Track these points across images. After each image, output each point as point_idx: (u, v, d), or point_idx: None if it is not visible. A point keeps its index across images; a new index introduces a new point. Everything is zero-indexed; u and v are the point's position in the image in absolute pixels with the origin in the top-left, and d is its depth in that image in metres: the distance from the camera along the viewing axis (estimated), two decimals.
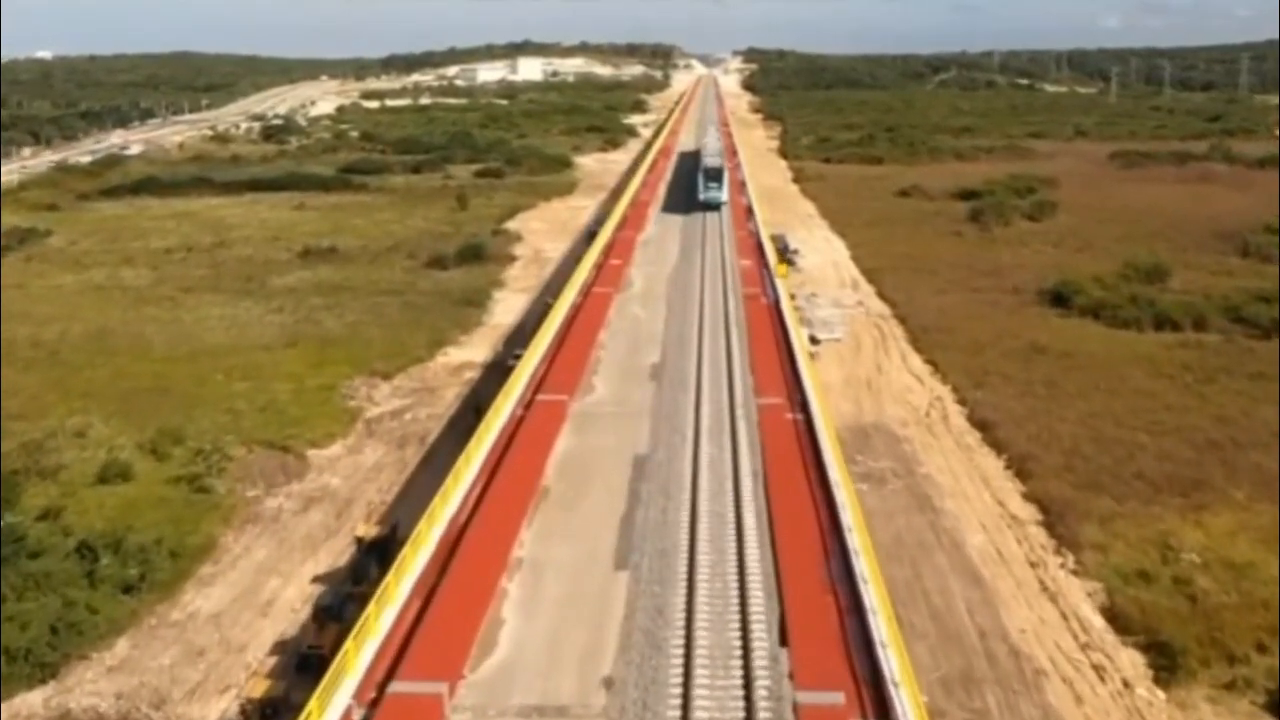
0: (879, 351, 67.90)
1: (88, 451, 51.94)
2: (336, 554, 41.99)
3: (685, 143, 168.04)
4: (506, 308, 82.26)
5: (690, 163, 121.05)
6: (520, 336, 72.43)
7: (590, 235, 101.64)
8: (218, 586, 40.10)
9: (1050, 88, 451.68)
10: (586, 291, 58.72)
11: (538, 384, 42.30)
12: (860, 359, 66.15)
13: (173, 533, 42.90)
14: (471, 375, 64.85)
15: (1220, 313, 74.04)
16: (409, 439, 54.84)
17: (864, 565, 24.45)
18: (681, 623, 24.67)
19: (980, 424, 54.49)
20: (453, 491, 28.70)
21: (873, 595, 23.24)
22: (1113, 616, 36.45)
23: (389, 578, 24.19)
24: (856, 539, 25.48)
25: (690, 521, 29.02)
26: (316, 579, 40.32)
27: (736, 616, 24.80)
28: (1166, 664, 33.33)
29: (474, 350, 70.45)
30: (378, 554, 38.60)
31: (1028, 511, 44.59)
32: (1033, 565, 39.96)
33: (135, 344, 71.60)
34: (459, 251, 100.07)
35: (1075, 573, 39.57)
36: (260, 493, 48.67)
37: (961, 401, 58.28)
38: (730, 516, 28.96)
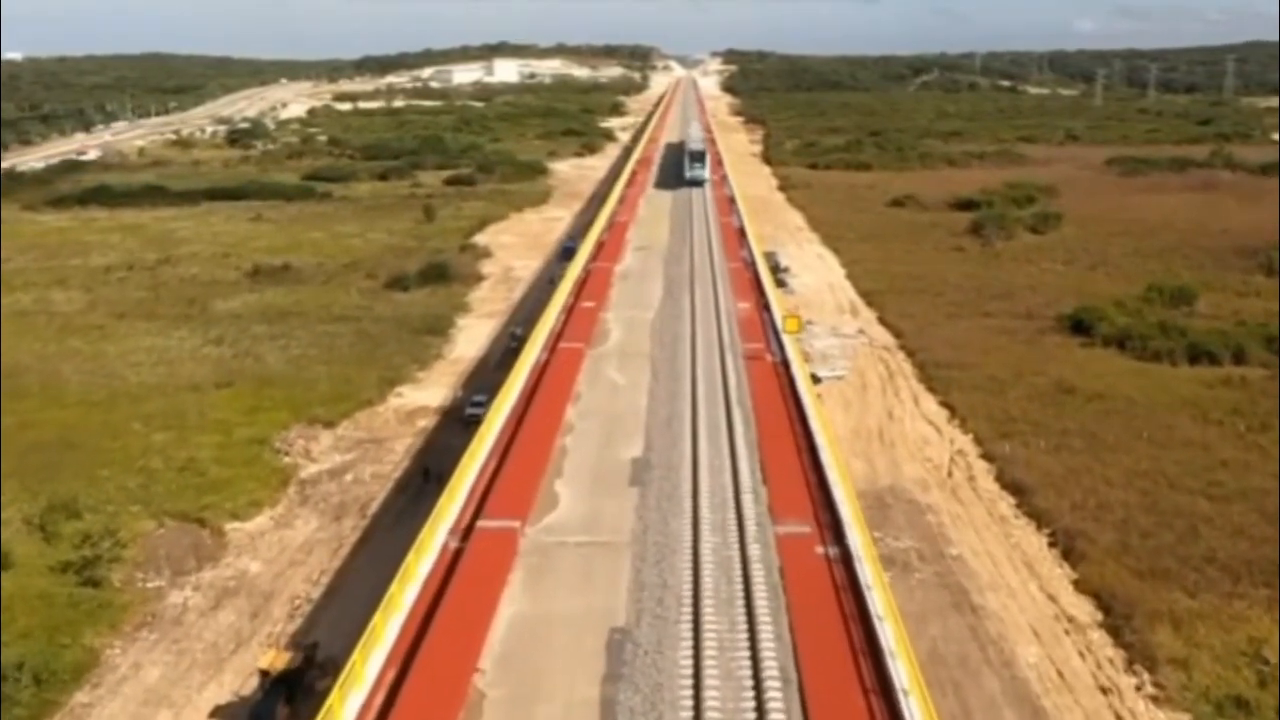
0: (888, 392, 60.26)
1: None
2: (245, 674, 34.05)
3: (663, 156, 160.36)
4: (470, 337, 74.25)
5: (676, 152, 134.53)
6: (484, 373, 64.81)
7: (565, 252, 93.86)
8: None
9: (1033, 89, 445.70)
10: (552, 346, 48.27)
11: (480, 498, 31.20)
12: (868, 402, 58.49)
13: (44, 648, 34.89)
14: (426, 423, 56.87)
15: (1260, 343, 66.75)
16: (348, 508, 46.87)
17: None
18: None
19: (1013, 487, 46.89)
20: (338, 714, 19.92)
21: None
22: None
23: None
24: None
25: None
26: (216, 712, 32.45)
27: None
28: None
29: (431, 390, 62.44)
30: (287, 688, 30.85)
31: (1085, 609, 37.01)
32: (1104, 691, 32.38)
33: (49, 384, 63.27)
34: (422, 270, 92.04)
35: (1156, 699, 32.07)
36: (164, 583, 40.64)
37: (987, 457, 50.67)
38: None
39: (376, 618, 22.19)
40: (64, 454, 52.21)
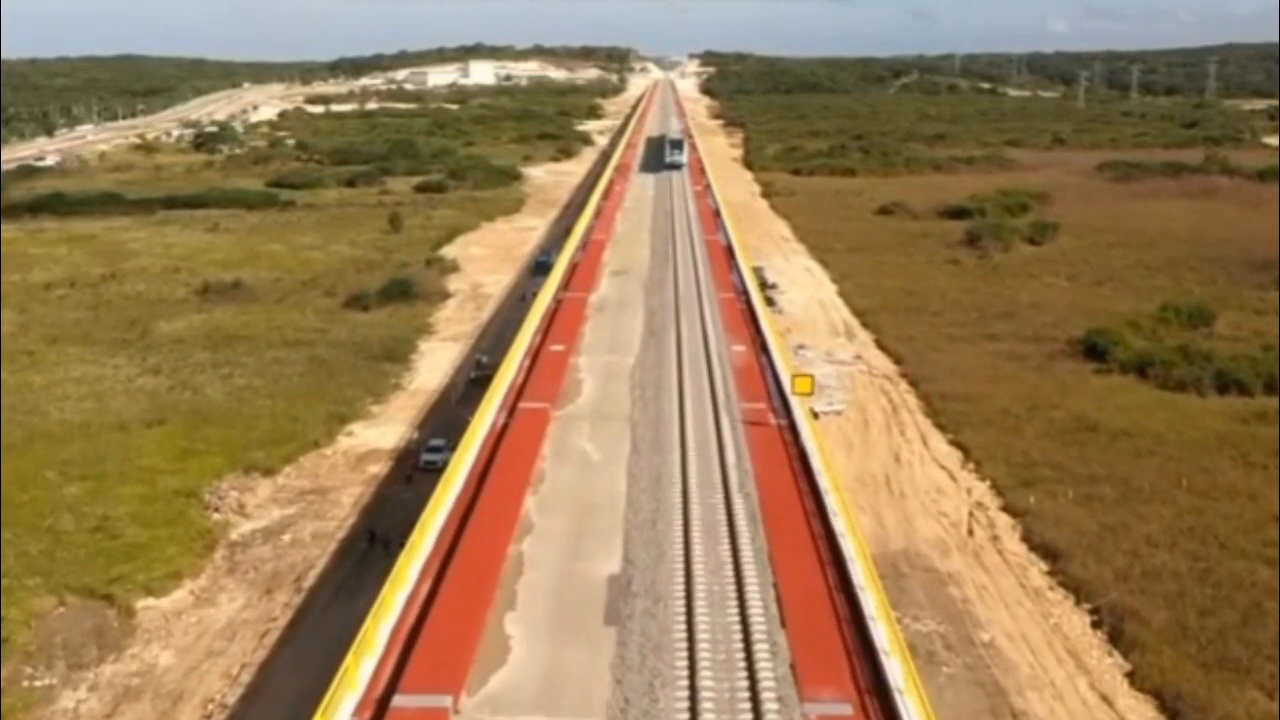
0: (893, 430, 54.48)
1: None
2: None
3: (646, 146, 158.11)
4: (432, 364, 68.08)
5: (657, 143, 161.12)
6: (445, 407, 58.83)
7: (538, 267, 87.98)
8: None
9: (1013, 91, 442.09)
10: (512, 406, 40.27)
11: (403, 652, 23.20)
12: (871, 443, 52.70)
13: None
14: (377, 470, 50.75)
15: None
16: (281, 578, 40.68)
17: None
18: None
19: (1045, 550, 41.14)
20: None
21: None
22: None
23: None
24: None
25: None
26: None
27: None
28: None
29: (386, 428, 56.33)
30: None
31: (1147, 715, 31.27)
32: None
33: None
34: (384, 288, 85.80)
35: None
36: (56, 681, 34.39)
37: (1011, 510, 44.92)
38: None
39: None
40: None
